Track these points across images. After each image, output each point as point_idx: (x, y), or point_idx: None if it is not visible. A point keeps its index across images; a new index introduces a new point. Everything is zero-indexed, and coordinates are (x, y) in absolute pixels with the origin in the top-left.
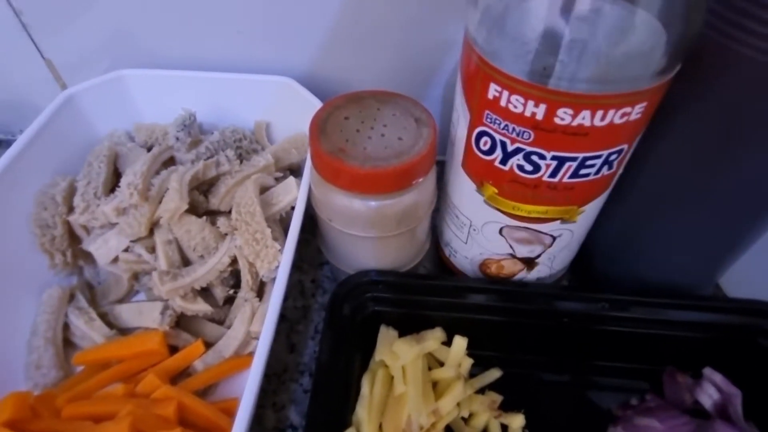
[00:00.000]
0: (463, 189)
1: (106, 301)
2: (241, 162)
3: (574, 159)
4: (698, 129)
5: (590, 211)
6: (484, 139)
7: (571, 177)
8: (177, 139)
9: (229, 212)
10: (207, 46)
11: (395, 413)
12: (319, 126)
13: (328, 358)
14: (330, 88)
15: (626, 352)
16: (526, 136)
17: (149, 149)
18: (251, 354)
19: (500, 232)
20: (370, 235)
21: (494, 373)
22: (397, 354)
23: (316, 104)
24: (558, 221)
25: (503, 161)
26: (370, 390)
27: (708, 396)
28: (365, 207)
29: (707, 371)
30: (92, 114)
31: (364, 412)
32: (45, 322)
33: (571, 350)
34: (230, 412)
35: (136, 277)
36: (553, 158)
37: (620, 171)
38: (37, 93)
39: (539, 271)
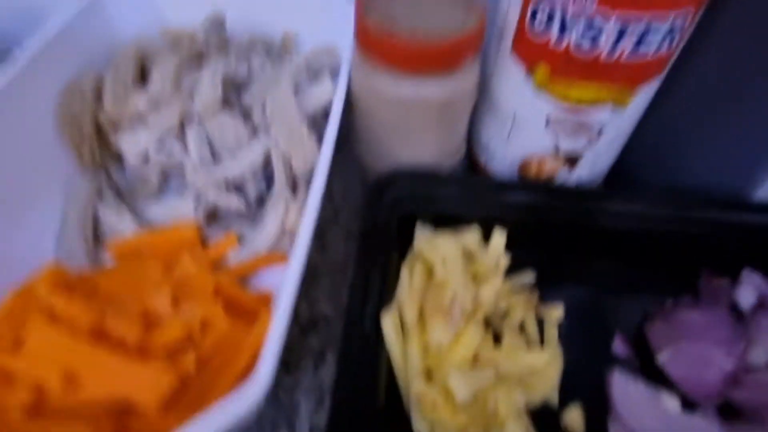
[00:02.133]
0: (510, 78)
1: (135, 201)
2: (272, 65)
3: (637, 24)
4: (752, 18)
5: (641, 98)
6: (541, 13)
7: (630, 54)
8: (205, 39)
9: (263, 111)
10: None
11: (437, 297)
12: (365, 0)
13: (366, 253)
14: None
15: (662, 254)
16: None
17: None
18: (285, 251)
19: (547, 124)
20: (410, 126)
21: (528, 276)
22: (438, 246)
23: (348, 11)
24: (609, 107)
25: (560, 38)
26: (410, 276)
27: (747, 297)
28: (410, 91)
29: (746, 273)
30: (117, 17)
31: (405, 295)
32: (75, 213)
33: (607, 252)
34: (266, 303)
35: (164, 177)
36: (616, 25)
37: (677, 52)
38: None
39: (580, 173)
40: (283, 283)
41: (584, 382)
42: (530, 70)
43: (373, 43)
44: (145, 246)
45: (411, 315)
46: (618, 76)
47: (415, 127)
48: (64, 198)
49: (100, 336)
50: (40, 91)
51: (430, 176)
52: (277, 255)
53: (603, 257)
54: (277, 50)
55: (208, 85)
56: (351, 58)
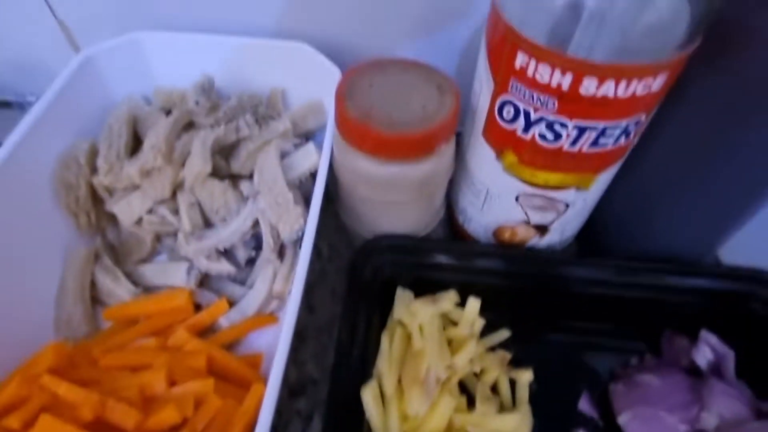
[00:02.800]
0: (482, 157)
1: (129, 261)
2: (259, 128)
3: (594, 128)
4: (709, 104)
5: (603, 179)
6: (508, 108)
7: (590, 146)
8: (197, 103)
9: (250, 176)
10: (221, 8)
11: (414, 367)
12: (346, 91)
13: (349, 318)
14: (345, 55)
15: (628, 316)
16: (550, 105)
17: (167, 113)
18: (273, 313)
19: (516, 199)
20: (391, 199)
21: (504, 333)
22: (415, 313)
23: (333, 70)
24: (573, 189)
25: (525, 130)
26: (389, 345)
27: (703, 356)
28: (388, 172)
29: (704, 333)
30: (109, 77)
31: (384, 365)
32: (72, 280)
33: (577, 313)
34: (255, 366)
35: (158, 238)
36: (575, 128)
37: (635, 141)
38: (48, 54)
39: (550, 239)
40: (279, 344)
41: None
42: (499, 154)
43: (353, 133)
44: (141, 312)
45: (390, 386)
46: (580, 164)
47: (395, 202)
48: (63, 263)
49: (101, 423)
50: (40, 157)
51: (409, 244)
52: (265, 317)
53: (573, 318)
54: (264, 108)
55: (198, 156)
56: (333, 138)
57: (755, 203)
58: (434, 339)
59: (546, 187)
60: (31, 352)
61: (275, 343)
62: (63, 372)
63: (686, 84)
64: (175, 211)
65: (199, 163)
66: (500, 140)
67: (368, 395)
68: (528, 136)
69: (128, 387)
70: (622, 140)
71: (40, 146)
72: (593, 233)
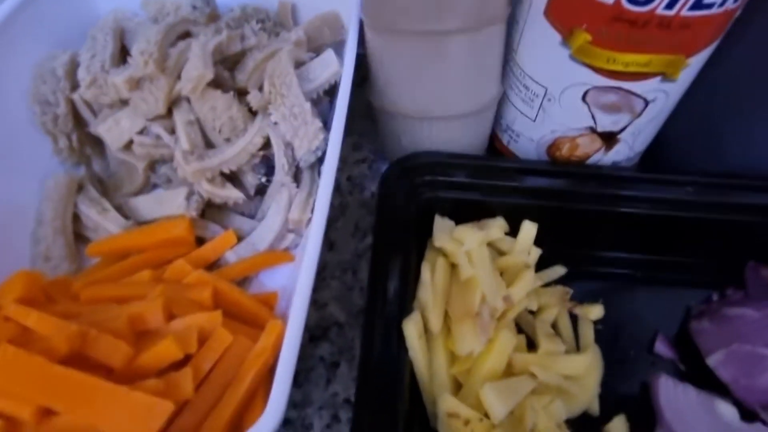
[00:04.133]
0: (542, 46)
1: (119, 195)
2: (268, 37)
3: None
4: None
5: (694, 66)
6: None
7: (690, 8)
8: (194, 7)
9: (260, 89)
10: None
11: (462, 298)
12: None
13: (383, 246)
14: None
15: (705, 244)
16: None
17: None
18: (287, 249)
19: (584, 97)
20: (437, 27)
21: (558, 270)
22: (461, 239)
23: None
24: (658, 77)
25: None
26: (431, 275)
27: None
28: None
29: None
30: None
31: (429, 297)
32: (52, 210)
33: (646, 243)
34: (269, 305)
35: (152, 166)
36: None
37: (739, 12)
38: None
39: (618, 152)
40: (295, 294)
41: (626, 388)
42: (567, 35)
43: None
44: (132, 246)
45: (436, 321)
46: (674, 39)
47: (442, 32)
48: (41, 193)
49: (81, 358)
50: (10, 68)
51: (449, 159)
52: (280, 253)
53: (639, 249)
54: (272, 23)
55: (197, 60)
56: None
57: None
58: (486, 267)
59: (625, 75)
60: None
61: (291, 284)
62: (36, 305)
63: None
64: (172, 131)
65: (198, 66)
66: (571, 14)
67: (411, 329)
68: (612, 0)
69: (115, 318)
70: (731, 1)
71: (13, 52)
72: (659, 152)
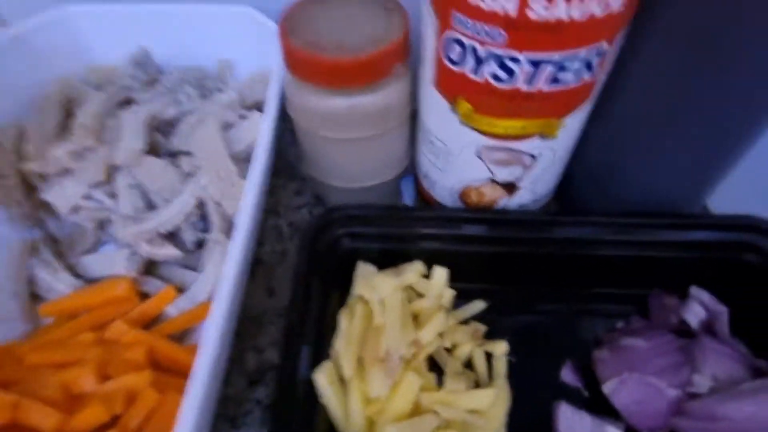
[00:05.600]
0: (436, 110)
1: (73, 253)
2: (203, 101)
3: (549, 61)
4: (681, 40)
5: (571, 126)
6: (453, 46)
7: (550, 84)
8: (132, 77)
9: (188, 154)
10: None
11: (374, 345)
12: (288, 24)
13: (303, 296)
14: None
15: (612, 277)
16: (498, 37)
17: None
18: None
19: (478, 154)
20: (350, 136)
21: (478, 305)
22: (376, 286)
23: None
24: (537, 137)
25: (476, 71)
26: (348, 323)
27: (694, 314)
28: (345, 104)
29: (694, 290)
30: (39, 55)
31: (342, 345)
32: (7, 277)
33: (556, 278)
34: None
35: (101, 226)
36: (529, 62)
37: (602, 78)
38: None
39: (521, 197)
40: (204, 334)
41: (533, 417)
42: (453, 103)
43: (301, 65)
44: (80, 306)
45: (348, 367)
46: (541, 107)
47: (355, 140)
48: None
49: (19, 426)
50: None
51: (370, 213)
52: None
53: (554, 284)
54: (212, 82)
55: (130, 132)
56: (284, 79)
57: (738, 144)
58: (395, 313)
59: (507, 137)
60: None
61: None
62: None
63: (655, 9)
64: (113, 195)
65: (130, 139)
66: (451, 87)
67: (322, 379)
68: (480, 78)
69: (50, 385)
70: (586, 76)
71: None
72: (571, 190)
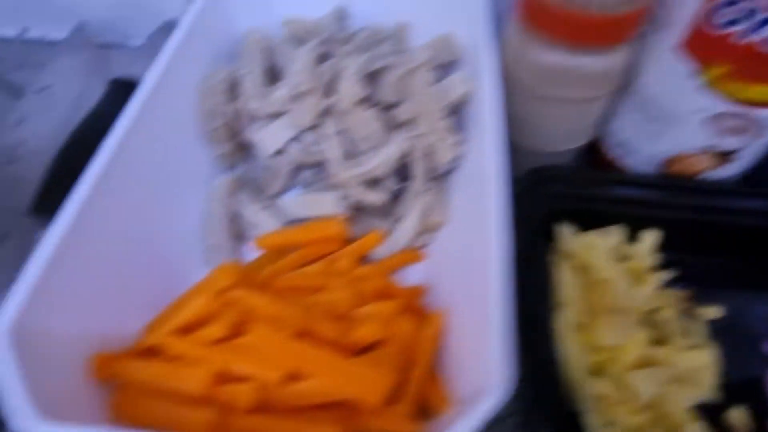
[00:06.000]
0: (671, 75)
1: (263, 196)
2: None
3: None
4: None
5: None
6: (726, 9)
7: None
8: (331, 31)
9: (394, 105)
10: None
11: (601, 297)
12: None
13: (522, 252)
14: None
15: None
16: None
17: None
18: (421, 247)
19: (706, 121)
20: (569, 95)
21: (675, 273)
22: (591, 245)
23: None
24: None
25: (747, 33)
26: (571, 277)
27: None
28: (578, 62)
29: None
30: (234, 13)
31: (570, 296)
32: (222, 207)
33: (755, 249)
34: (416, 298)
35: (294, 172)
36: None
37: None
38: None
39: (730, 168)
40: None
41: (740, 382)
42: (702, 68)
43: (551, 18)
44: (293, 241)
45: (577, 315)
46: None
47: (571, 99)
48: (207, 195)
49: (306, 336)
50: (181, 89)
51: (573, 175)
52: (415, 252)
53: (753, 256)
54: (391, 43)
55: (351, 79)
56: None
57: None
58: (619, 269)
59: (753, 103)
60: (182, 286)
61: (423, 280)
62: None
63: None
64: (319, 142)
65: (352, 86)
66: (708, 51)
67: (562, 322)
68: (755, 38)
69: (321, 303)
70: None
71: (182, 78)
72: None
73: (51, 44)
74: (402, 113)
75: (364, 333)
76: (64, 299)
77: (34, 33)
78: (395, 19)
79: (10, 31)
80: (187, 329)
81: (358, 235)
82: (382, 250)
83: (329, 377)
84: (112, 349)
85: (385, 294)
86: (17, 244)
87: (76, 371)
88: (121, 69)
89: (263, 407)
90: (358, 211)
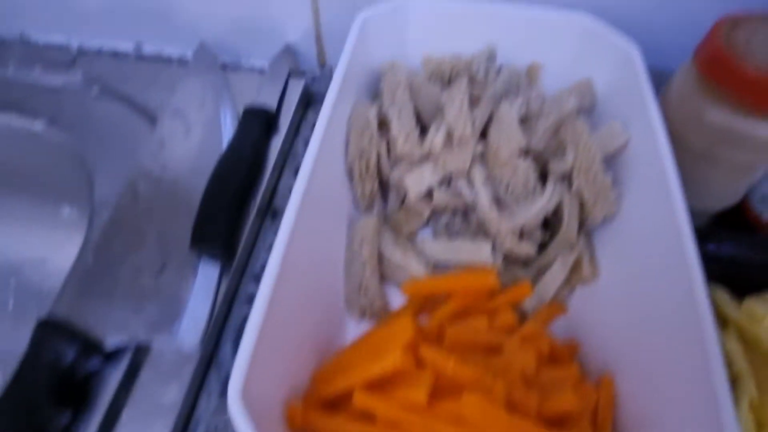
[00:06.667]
0: None
1: (401, 238)
2: None
3: None
4: None
5: None
6: None
7: None
8: (481, 73)
9: (540, 154)
10: None
11: None
12: (732, 41)
13: None
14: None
15: None
16: None
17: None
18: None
19: None
20: (742, 159)
21: None
22: (753, 313)
23: (618, 45)
24: None
25: None
26: (738, 349)
27: None
28: (754, 128)
29: None
30: (373, 42)
31: (742, 368)
32: (367, 249)
33: None
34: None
35: (439, 213)
36: None
37: None
38: (282, 17)
39: None
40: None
41: None
42: None
43: (749, 86)
44: (441, 289)
45: (754, 391)
46: None
47: (743, 163)
48: (349, 235)
49: (511, 407)
50: (340, 122)
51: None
52: (561, 305)
53: None
54: (524, 85)
55: (512, 127)
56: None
57: None
58: None
59: None
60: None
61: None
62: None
63: None
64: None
65: (516, 136)
66: None
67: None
68: None
69: (505, 368)
70: None
71: (339, 111)
72: None
73: (168, 61)
74: (559, 166)
75: (562, 403)
76: (269, 357)
77: (148, 48)
78: (530, 59)
79: (124, 45)
80: (377, 384)
81: (503, 285)
82: (531, 303)
83: None
84: (291, 397)
85: (555, 356)
86: (176, 271)
87: (278, 414)
88: (245, 93)
89: None
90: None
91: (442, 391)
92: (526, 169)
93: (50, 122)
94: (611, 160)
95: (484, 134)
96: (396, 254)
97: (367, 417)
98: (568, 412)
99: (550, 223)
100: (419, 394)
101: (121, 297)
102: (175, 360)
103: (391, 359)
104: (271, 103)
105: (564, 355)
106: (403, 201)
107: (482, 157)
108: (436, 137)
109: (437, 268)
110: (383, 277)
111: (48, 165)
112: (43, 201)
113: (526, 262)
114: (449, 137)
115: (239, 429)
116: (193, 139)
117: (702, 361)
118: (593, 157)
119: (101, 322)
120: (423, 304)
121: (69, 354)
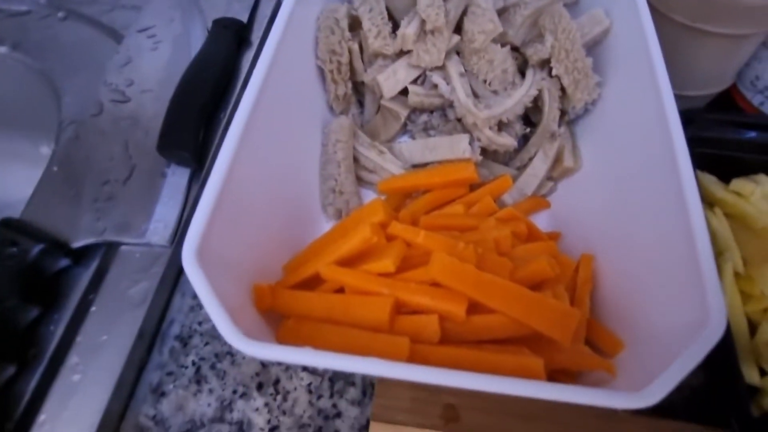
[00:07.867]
0: None
1: (378, 141)
2: None
3: None
4: None
5: None
6: None
7: None
8: None
9: (519, 47)
10: None
11: (760, 245)
12: None
13: None
14: None
15: None
16: None
17: None
18: (544, 195)
19: None
20: (728, 31)
21: None
22: (742, 192)
23: None
24: None
25: None
26: (719, 225)
27: None
28: None
29: None
30: None
31: (727, 243)
32: (342, 150)
33: None
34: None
35: (415, 112)
36: None
37: None
38: None
39: None
40: None
41: None
42: None
43: None
44: (417, 185)
45: (739, 263)
46: None
47: (717, 35)
48: (323, 137)
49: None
50: (304, 29)
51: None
52: (541, 199)
53: None
54: None
55: (486, 15)
56: None
57: None
58: None
59: None
60: (305, 230)
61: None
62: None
63: None
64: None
65: (487, 22)
66: None
67: (726, 275)
68: None
69: (482, 241)
70: None
71: (302, 17)
72: None
73: None
74: (537, 52)
75: (536, 269)
76: (228, 230)
77: None
78: None
79: None
80: (348, 262)
81: (483, 181)
82: (512, 196)
83: (516, 311)
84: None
85: (533, 236)
86: (144, 176)
87: (245, 298)
88: (213, 8)
89: (447, 339)
90: (482, 156)
91: (412, 262)
92: (503, 59)
93: (14, 46)
94: (593, 49)
95: (459, 30)
96: (371, 154)
97: (338, 294)
98: (543, 278)
99: (532, 119)
100: (387, 263)
101: (88, 201)
102: (145, 259)
103: (360, 234)
104: (242, 16)
105: (543, 238)
106: (379, 106)
107: (459, 53)
108: (408, 28)
109: (416, 169)
110: (359, 180)
111: (16, 92)
112: (22, 140)
113: (507, 160)
114: (423, 30)
115: (194, 284)
116: (162, 54)
117: (686, 231)
118: (573, 41)
119: (68, 224)
120: (399, 204)
121: (33, 251)
